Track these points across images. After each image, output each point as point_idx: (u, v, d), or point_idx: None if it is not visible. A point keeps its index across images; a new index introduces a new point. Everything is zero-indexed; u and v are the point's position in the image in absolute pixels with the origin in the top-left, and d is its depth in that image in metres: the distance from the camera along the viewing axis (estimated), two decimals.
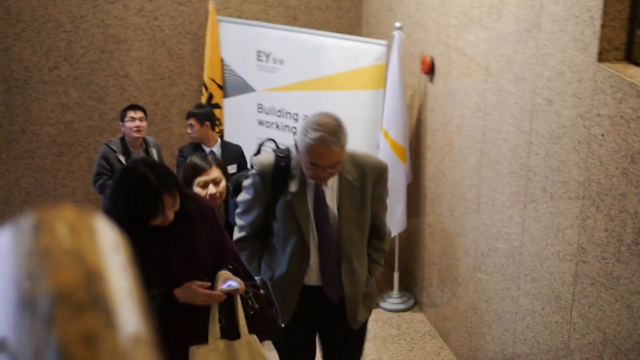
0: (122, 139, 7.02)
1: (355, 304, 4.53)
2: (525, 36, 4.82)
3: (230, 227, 4.73)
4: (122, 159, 6.88)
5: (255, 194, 4.38)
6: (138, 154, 6.88)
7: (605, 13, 4.12)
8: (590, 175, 4.29)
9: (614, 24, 4.15)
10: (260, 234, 4.53)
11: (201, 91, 7.73)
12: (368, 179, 4.37)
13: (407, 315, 6.94)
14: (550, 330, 4.86)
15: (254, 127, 7.42)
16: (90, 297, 0.54)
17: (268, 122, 7.36)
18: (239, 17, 7.69)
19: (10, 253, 0.59)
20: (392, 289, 7.12)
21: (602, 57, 4.17)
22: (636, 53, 4.18)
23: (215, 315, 3.90)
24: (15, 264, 0.58)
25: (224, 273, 3.95)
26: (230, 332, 3.95)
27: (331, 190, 4.36)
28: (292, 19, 7.86)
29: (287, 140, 7.02)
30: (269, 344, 4.79)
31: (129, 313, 0.57)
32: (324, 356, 4.82)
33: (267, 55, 7.21)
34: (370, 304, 4.66)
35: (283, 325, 4.46)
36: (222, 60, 7.48)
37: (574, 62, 4.35)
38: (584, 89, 4.28)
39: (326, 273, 4.46)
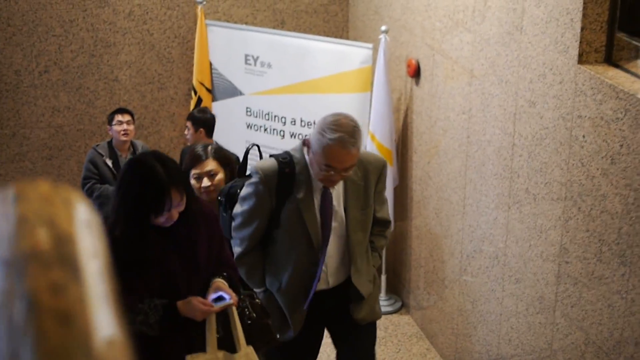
0: (110, 143, 7.05)
1: (361, 303, 4.49)
2: (508, 39, 4.89)
3: None
4: (109, 162, 6.91)
5: (257, 203, 4.23)
6: (125, 157, 6.91)
7: (585, 16, 4.19)
8: (571, 176, 4.35)
9: (593, 26, 4.22)
10: (259, 244, 4.40)
11: (190, 95, 7.79)
12: (371, 177, 4.34)
13: (395, 317, 6.99)
14: (534, 331, 4.91)
15: (242, 131, 7.48)
16: (58, 256, 0.60)
17: (256, 125, 7.41)
18: (227, 21, 7.75)
19: None
20: (379, 291, 7.17)
21: (582, 59, 4.24)
22: (616, 55, 4.25)
23: (212, 324, 3.81)
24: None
25: (217, 281, 3.86)
26: (227, 343, 3.86)
27: (337, 192, 4.30)
28: (280, 23, 7.92)
29: (275, 143, 7.07)
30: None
31: (104, 317, 0.63)
32: (338, 352, 4.75)
33: (255, 59, 7.27)
34: (374, 303, 4.62)
35: (294, 334, 4.40)
36: (210, 64, 7.53)
37: (555, 65, 4.42)
38: (565, 91, 4.35)
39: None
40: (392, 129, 6.51)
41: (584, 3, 4.18)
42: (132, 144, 7.12)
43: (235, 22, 7.76)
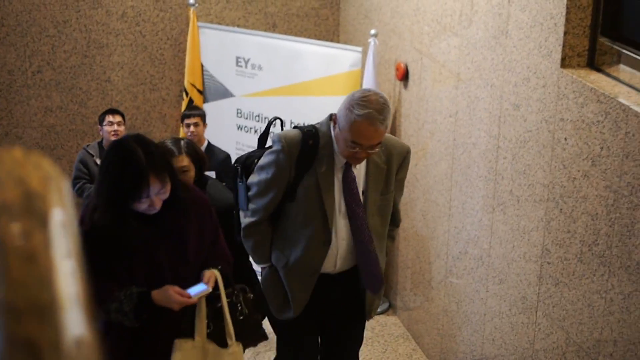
0: (100, 143, 7.10)
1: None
2: (494, 43, 4.96)
3: None
4: (99, 163, 6.96)
5: (277, 172, 4.06)
6: None
7: (568, 20, 4.26)
8: (554, 178, 4.42)
9: (576, 31, 4.30)
10: (271, 217, 4.23)
11: (182, 96, 7.85)
12: (394, 162, 4.19)
13: (381, 318, 7.05)
14: (517, 331, 4.97)
15: (233, 132, 7.54)
16: (26, 209, 0.67)
17: (247, 127, 7.48)
18: (219, 23, 7.82)
19: None
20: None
21: (565, 63, 4.31)
22: (598, 59, 4.32)
23: (202, 311, 3.71)
24: None
25: (207, 272, 3.74)
26: (217, 338, 3.79)
27: (358, 173, 4.14)
28: (272, 26, 7.99)
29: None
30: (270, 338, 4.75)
31: (74, 317, 0.69)
32: (324, 348, 4.60)
33: (246, 61, 7.34)
34: (381, 293, 4.53)
35: (294, 316, 4.25)
36: (202, 65, 7.60)
37: (539, 68, 4.49)
38: (548, 94, 4.42)
39: (364, 259, 4.21)
40: None
41: (567, 8, 4.25)
42: None
43: (227, 25, 7.83)
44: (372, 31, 6.49)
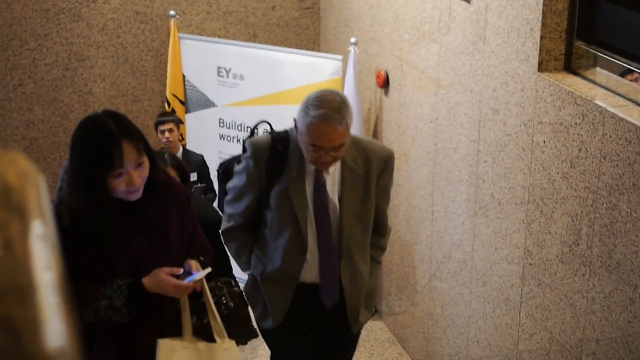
0: None
1: (357, 303, 4.20)
2: (472, 49, 5.02)
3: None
4: None
5: (247, 179, 3.98)
6: None
7: (544, 25, 4.33)
8: (534, 180, 4.49)
9: (552, 35, 4.37)
10: (251, 224, 4.11)
11: (164, 107, 7.87)
12: (373, 167, 4.01)
13: (367, 323, 7.06)
14: (501, 332, 5.03)
15: (215, 142, 7.57)
16: (2, 201, 0.74)
17: (229, 136, 7.52)
18: (200, 34, 7.85)
19: None
20: (374, 298, 7.25)
21: (542, 67, 4.38)
22: (575, 63, 4.40)
23: (186, 308, 3.52)
24: None
25: (191, 262, 3.52)
26: (203, 333, 3.59)
27: (332, 179, 3.98)
28: (252, 36, 8.04)
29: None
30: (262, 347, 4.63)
31: (55, 327, 0.72)
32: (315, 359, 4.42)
33: (227, 71, 7.38)
34: (371, 303, 4.42)
35: (274, 328, 4.14)
36: (183, 76, 7.63)
37: (517, 73, 4.56)
38: (526, 98, 4.49)
39: (325, 270, 4.06)
40: None
41: (543, 13, 4.32)
42: None
43: (208, 36, 7.87)
44: (352, 39, 6.55)
